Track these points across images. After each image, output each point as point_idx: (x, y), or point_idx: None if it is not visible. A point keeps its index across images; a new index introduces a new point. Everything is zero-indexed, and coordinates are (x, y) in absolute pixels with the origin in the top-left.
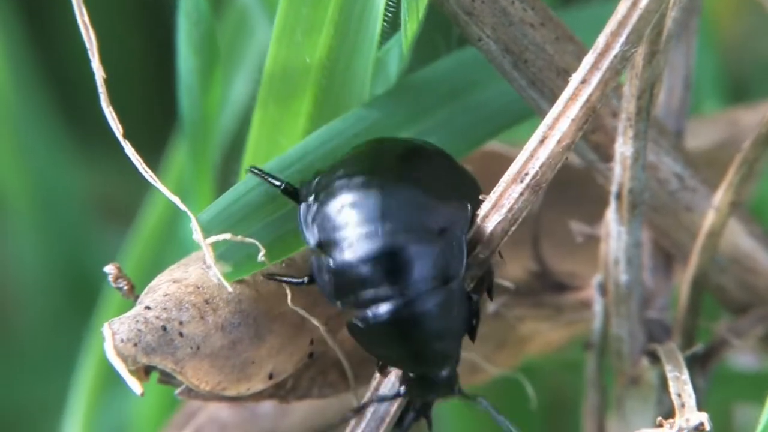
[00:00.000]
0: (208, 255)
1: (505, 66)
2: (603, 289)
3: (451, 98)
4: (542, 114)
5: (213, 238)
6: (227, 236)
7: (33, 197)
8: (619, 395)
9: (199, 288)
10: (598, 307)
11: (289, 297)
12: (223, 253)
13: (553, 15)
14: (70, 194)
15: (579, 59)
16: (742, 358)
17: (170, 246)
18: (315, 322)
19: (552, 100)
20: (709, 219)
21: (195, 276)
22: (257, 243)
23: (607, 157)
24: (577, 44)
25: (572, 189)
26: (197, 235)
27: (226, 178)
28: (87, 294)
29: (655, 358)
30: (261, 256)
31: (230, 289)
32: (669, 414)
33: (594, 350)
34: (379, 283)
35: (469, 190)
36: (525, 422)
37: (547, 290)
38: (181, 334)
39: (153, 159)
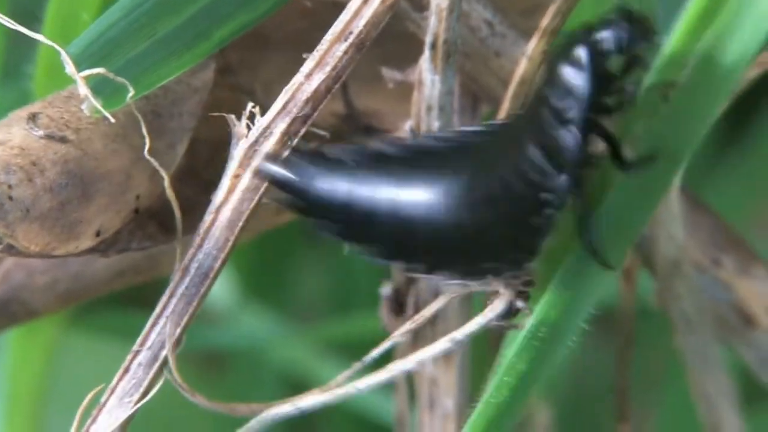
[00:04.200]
0: (85, 89)
1: None
2: (414, 135)
3: None
4: None
5: (86, 72)
6: (101, 70)
7: None
8: None
9: (24, 150)
10: None
11: (147, 146)
12: (92, 88)
13: None
14: None
15: None
16: None
17: None
18: (163, 173)
19: None
20: (522, 67)
21: (19, 137)
22: (126, 82)
23: (419, 6)
24: None
25: None
26: (70, 69)
27: None
28: None
29: None
30: (129, 97)
31: (113, 120)
32: None
33: None
34: None
35: None
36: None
37: (357, 133)
38: (10, 198)
39: None
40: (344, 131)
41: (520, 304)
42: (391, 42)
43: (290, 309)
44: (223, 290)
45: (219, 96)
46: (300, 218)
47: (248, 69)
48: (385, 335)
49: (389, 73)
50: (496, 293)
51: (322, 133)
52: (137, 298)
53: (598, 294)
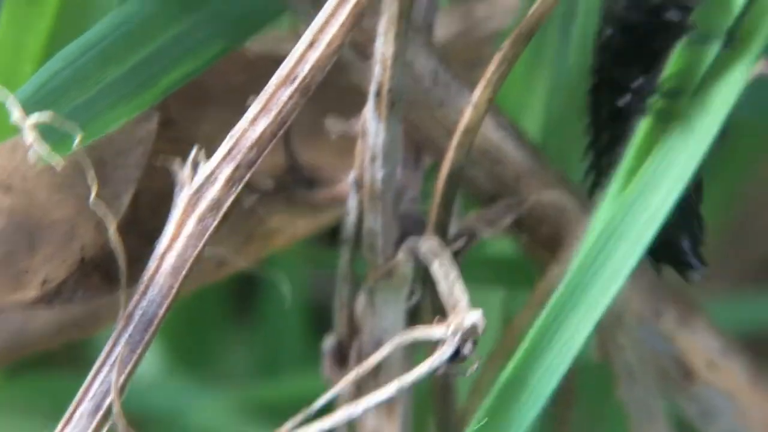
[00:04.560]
0: (32, 135)
1: None
2: (358, 185)
3: None
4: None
5: (35, 117)
6: (49, 114)
7: None
8: (372, 287)
9: None
10: (352, 202)
11: (92, 195)
12: (39, 136)
13: None
14: None
15: None
16: None
17: None
18: (108, 222)
19: None
20: (467, 115)
21: None
22: (75, 127)
23: (364, 55)
24: None
25: None
26: (18, 114)
27: None
28: None
29: (413, 252)
30: (76, 144)
31: (61, 164)
32: (421, 304)
33: (347, 245)
34: None
35: None
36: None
37: (299, 186)
38: None
39: None
40: (287, 184)
41: (467, 350)
42: (335, 94)
43: (216, 376)
44: (148, 356)
45: (162, 147)
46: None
47: (190, 123)
48: (315, 399)
49: (333, 124)
50: (442, 341)
51: (266, 183)
52: (62, 361)
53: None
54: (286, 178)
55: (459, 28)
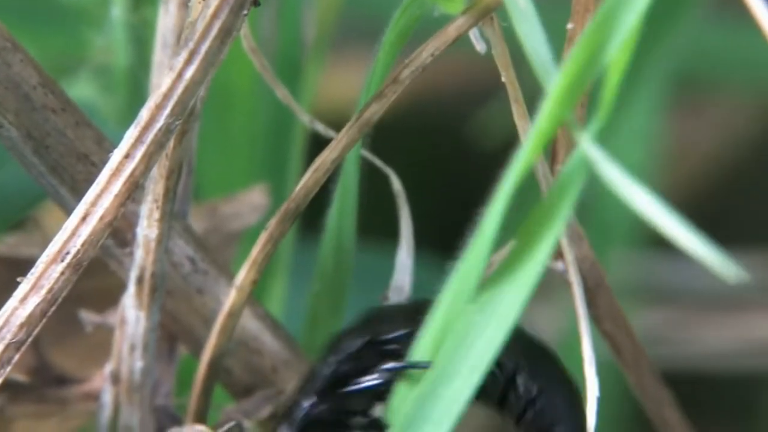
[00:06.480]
0: None
1: (25, 152)
2: (115, 378)
3: None
4: (60, 200)
5: None
6: None
7: None
8: None
9: None
10: (107, 397)
11: None
12: None
13: (71, 100)
14: None
15: (98, 144)
16: None
17: None
18: None
19: (72, 185)
20: (230, 298)
21: None
22: None
23: (123, 242)
24: (94, 129)
25: None
26: None
27: None
28: None
29: None
30: None
31: None
32: None
33: None
34: None
35: None
36: None
37: (49, 385)
38: None
39: None
40: (34, 383)
41: None
42: (84, 292)
43: None
44: None
45: None
46: None
47: None
48: None
49: (88, 317)
50: None
51: (20, 378)
52: None
53: None
54: (34, 377)
55: (207, 223)
